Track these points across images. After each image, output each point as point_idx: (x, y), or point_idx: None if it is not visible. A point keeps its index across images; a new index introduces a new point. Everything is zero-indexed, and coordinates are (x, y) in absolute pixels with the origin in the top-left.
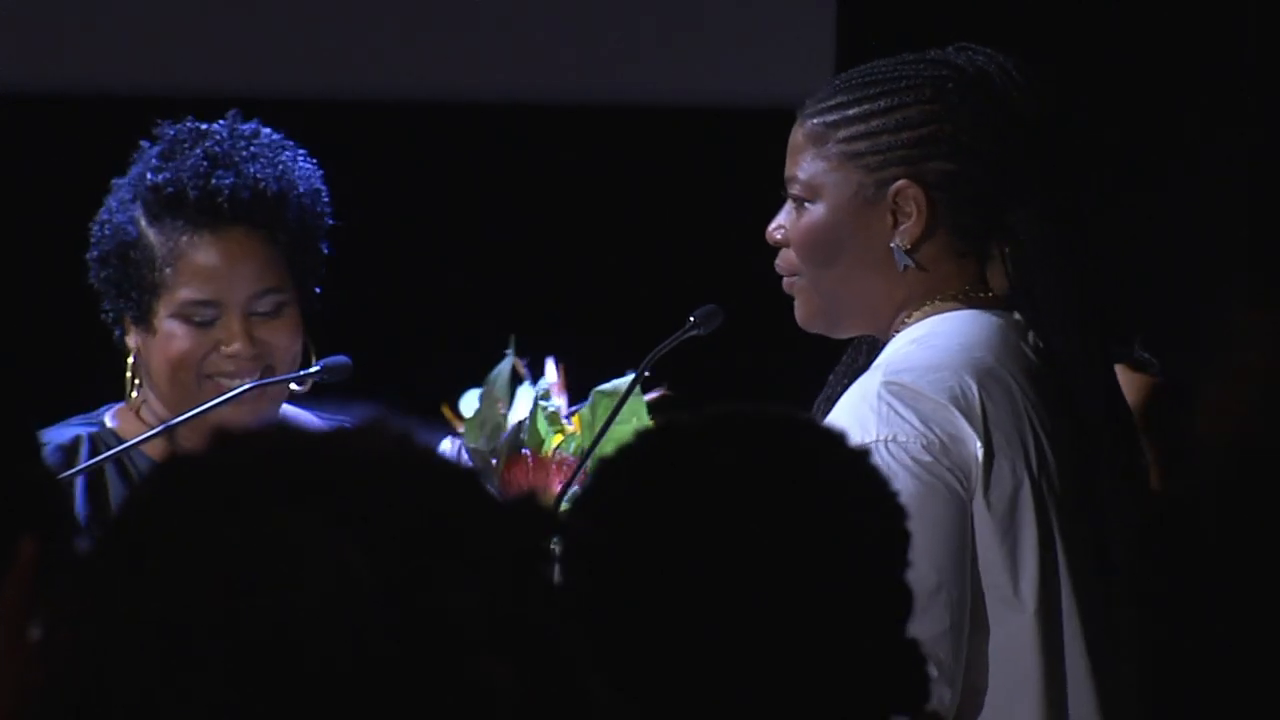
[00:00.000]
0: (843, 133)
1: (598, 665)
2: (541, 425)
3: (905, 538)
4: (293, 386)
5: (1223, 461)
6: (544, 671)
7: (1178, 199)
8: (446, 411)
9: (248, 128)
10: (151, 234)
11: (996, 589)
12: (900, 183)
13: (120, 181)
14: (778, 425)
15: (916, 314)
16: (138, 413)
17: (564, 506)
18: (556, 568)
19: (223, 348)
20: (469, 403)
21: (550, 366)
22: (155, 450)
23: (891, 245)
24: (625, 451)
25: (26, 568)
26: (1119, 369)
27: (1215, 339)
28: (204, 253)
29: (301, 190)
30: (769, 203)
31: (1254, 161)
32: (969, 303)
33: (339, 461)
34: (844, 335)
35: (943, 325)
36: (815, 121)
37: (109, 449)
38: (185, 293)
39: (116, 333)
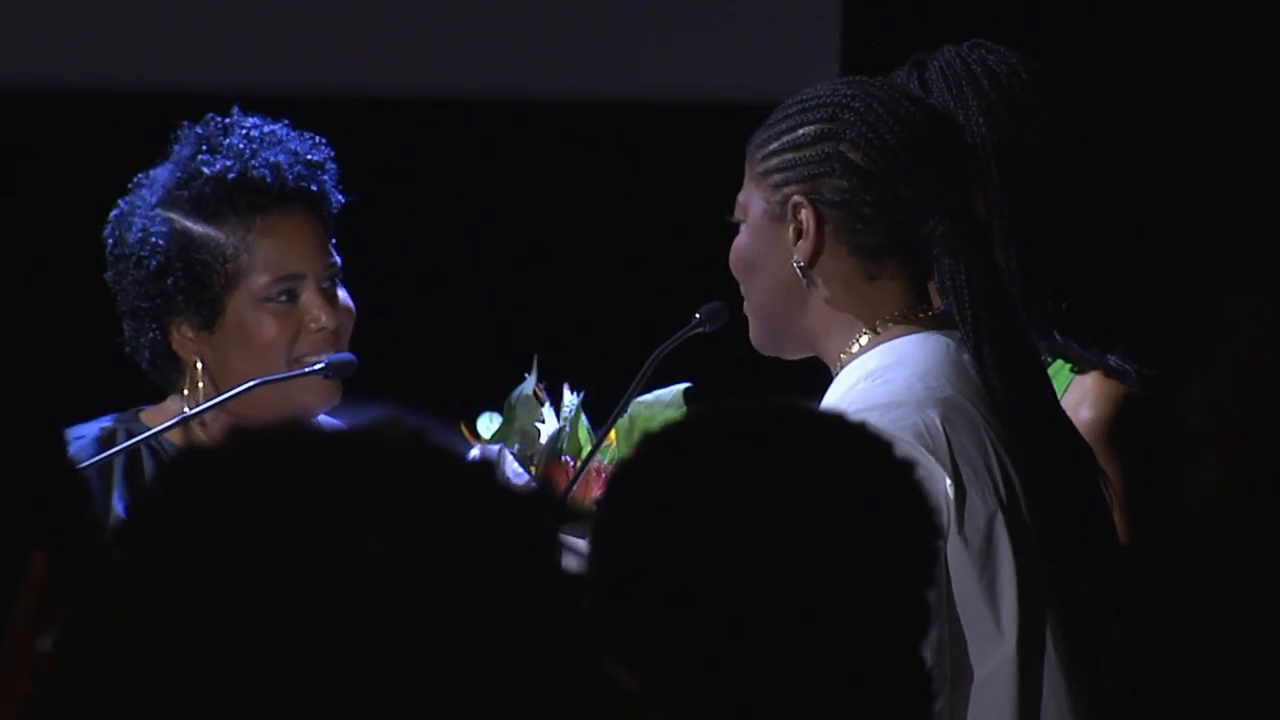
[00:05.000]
0: (759, 153)
1: (615, 643)
2: (583, 432)
3: (936, 555)
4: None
5: (1219, 459)
6: (560, 656)
7: (1184, 191)
8: (464, 430)
9: (256, 117)
10: (213, 230)
11: (978, 625)
12: (795, 199)
13: (145, 188)
14: (827, 426)
15: (863, 342)
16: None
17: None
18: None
19: (310, 325)
20: (486, 424)
21: (568, 394)
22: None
23: (792, 263)
24: (670, 432)
25: (38, 582)
26: (1094, 378)
27: (1218, 330)
28: (277, 231)
29: (328, 166)
30: None
31: (1261, 155)
32: (913, 324)
33: (355, 452)
34: (791, 356)
35: (893, 355)
36: (749, 144)
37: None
38: (265, 277)
39: (145, 339)
